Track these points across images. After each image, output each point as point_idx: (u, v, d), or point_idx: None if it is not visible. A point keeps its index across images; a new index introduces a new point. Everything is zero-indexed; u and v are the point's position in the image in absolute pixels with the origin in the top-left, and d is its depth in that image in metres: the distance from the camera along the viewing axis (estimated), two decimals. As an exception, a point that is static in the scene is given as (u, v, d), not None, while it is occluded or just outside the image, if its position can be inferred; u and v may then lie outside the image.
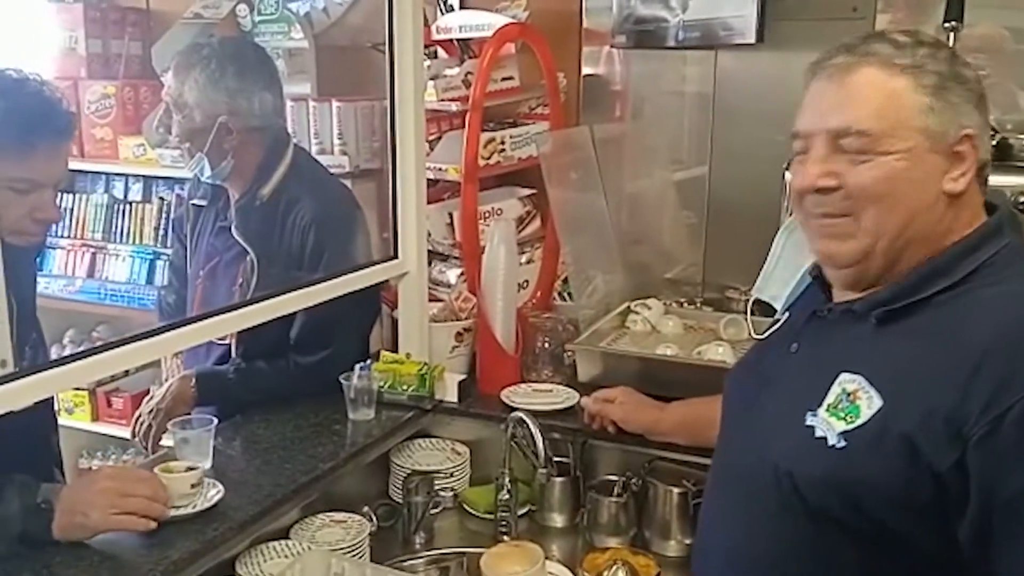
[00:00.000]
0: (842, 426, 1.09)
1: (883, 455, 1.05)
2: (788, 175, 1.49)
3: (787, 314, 1.34)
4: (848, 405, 1.10)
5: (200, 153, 1.94)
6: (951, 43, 1.92)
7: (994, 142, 2.03)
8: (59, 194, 1.58)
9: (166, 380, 2.05)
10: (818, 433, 1.11)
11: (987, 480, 0.99)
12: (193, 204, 2.09)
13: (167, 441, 2.07)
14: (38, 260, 1.86)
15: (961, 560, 1.04)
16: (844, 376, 1.12)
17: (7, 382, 1.24)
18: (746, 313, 1.69)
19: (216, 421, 1.69)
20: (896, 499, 1.04)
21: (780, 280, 1.42)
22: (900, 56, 1.11)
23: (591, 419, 1.86)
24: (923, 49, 1.12)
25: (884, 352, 1.11)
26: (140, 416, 1.98)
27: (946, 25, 1.92)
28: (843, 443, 1.08)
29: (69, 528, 1.41)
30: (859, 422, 1.08)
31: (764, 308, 1.66)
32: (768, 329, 1.35)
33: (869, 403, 1.08)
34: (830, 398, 1.12)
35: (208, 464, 1.65)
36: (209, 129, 1.91)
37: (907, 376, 1.07)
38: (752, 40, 2.23)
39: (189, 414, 2.04)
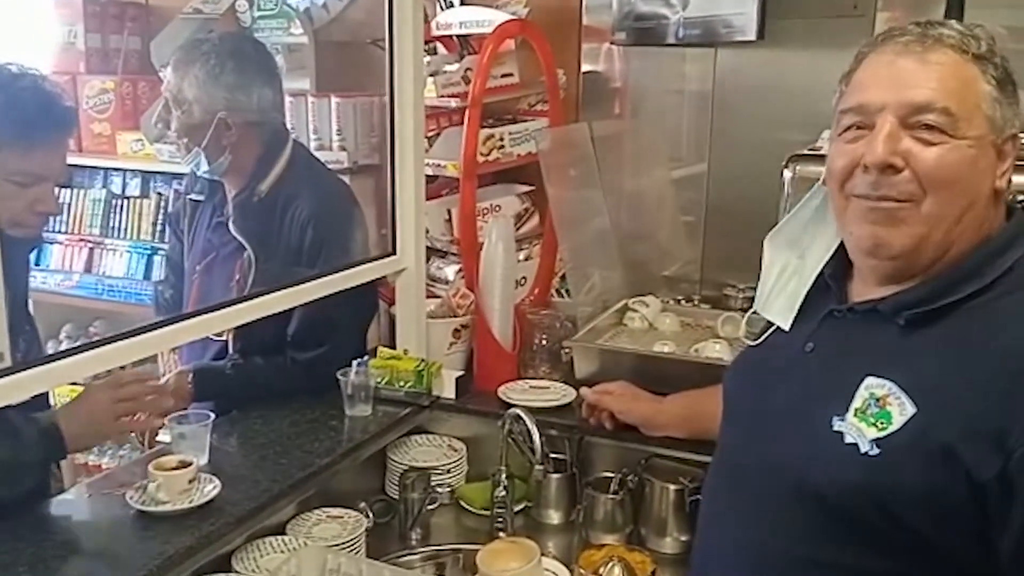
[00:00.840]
0: (874, 433, 1.05)
1: (920, 464, 1.02)
2: (787, 172, 1.44)
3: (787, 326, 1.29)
4: (878, 411, 1.06)
5: (197, 148, 1.93)
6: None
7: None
8: (58, 188, 1.60)
9: (163, 375, 2.05)
10: (848, 439, 1.07)
11: None
12: (190, 199, 2.08)
13: (164, 437, 2.08)
14: (32, 254, 1.88)
15: (994, 568, 1.01)
16: (871, 380, 1.08)
17: (3, 376, 1.24)
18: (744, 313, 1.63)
19: (213, 416, 1.69)
20: (933, 508, 1.02)
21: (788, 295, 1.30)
22: (970, 44, 1.08)
23: (590, 411, 1.85)
24: (985, 41, 1.09)
25: (914, 357, 1.07)
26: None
27: (946, 24, 1.92)
28: (876, 450, 1.04)
29: (80, 440, 1.56)
30: (892, 429, 1.04)
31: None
32: (762, 336, 1.31)
33: (901, 410, 1.04)
34: (857, 403, 1.08)
35: (205, 459, 1.65)
36: (208, 124, 1.91)
37: (942, 384, 1.03)
38: (752, 37, 2.23)
39: (186, 409, 2.04)
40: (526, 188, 2.50)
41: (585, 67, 2.55)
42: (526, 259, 2.41)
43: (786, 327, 1.26)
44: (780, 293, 1.29)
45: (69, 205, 3.24)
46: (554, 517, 1.83)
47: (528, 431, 1.69)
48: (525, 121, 2.45)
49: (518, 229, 2.36)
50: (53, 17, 3.09)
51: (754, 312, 1.34)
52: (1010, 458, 0.97)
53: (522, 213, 2.47)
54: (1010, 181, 1.12)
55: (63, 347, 3.07)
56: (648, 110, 2.57)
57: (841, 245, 1.22)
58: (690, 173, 2.51)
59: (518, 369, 2.12)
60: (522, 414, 1.71)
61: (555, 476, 1.81)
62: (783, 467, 1.13)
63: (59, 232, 3.23)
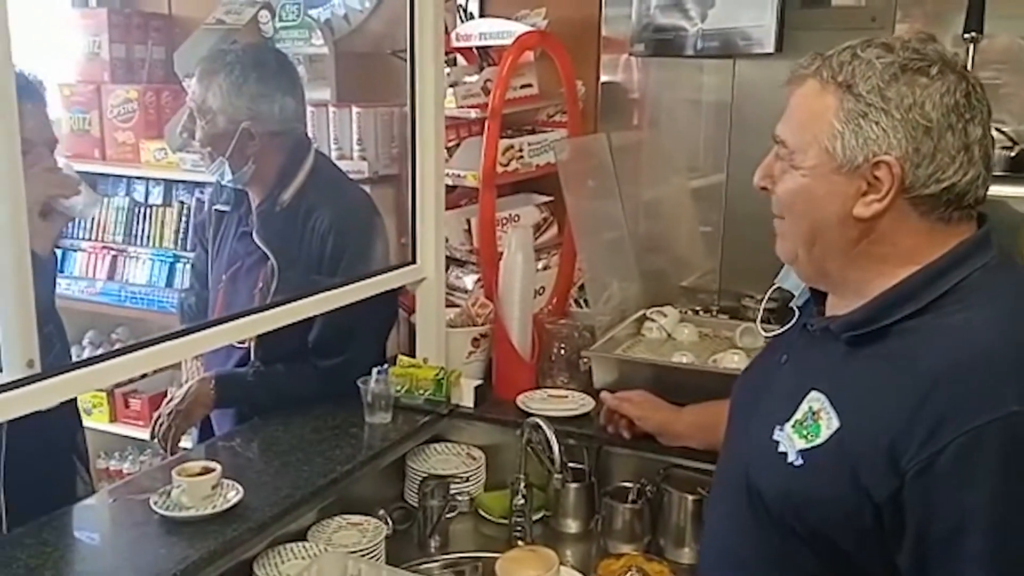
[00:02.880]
0: (802, 444, 1.10)
1: (834, 477, 1.05)
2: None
3: (797, 314, 1.32)
4: (811, 424, 1.10)
5: (222, 158, 1.96)
6: (970, 54, 1.92)
7: (1013, 153, 2.04)
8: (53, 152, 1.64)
9: (186, 382, 2.07)
10: (780, 448, 1.13)
11: (921, 515, 0.99)
12: (216, 209, 2.11)
13: (186, 443, 2.10)
14: (58, 258, 1.91)
15: None
16: (813, 394, 1.12)
17: (33, 382, 1.26)
18: (761, 304, 1.75)
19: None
20: (842, 521, 1.06)
21: None
22: (840, 72, 1.09)
23: (608, 416, 1.87)
24: (872, 66, 1.07)
25: (848, 374, 1.11)
26: (159, 417, 2.00)
27: (965, 36, 1.92)
28: (800, 461, 1.10)
29: None
30: (817, 442, 1.09)
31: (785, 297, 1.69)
32: (777, 332, 1.35)
33: (828, 423, 1.08)
34: (798, 414, 1.13)
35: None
36: (232, 134, 1.94)
37: (864, 401, 1.07)
38: (771, 50, 2.24)
39: (208, 416, 2.07)
40: (545, 198, 2.51)
41: (604, 78, 2.56)
42: (544, 269, 2.42)
43: (797, 292, 1.34)
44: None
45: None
46: (572, 526, 1.83)
47: (547, 440, 1.70)
48: (544, 132, 2.46)
49: (537, 239, 2.38)
50: (78, 28, 3.13)
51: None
52: (903, 480, 0.99)
53: (541, 223, 2.48)
54: (974, 203, 1.10)
55: (86, 353, 3.12)
56: (666, 121, 2.57)
57: None
58: (708, 184, 2.51)
59: (536, 378, 2.13)
60: (541, 423, 1.72)
61: (573, 485, 1.82)
62: (740, 472, 1.19)
63: (82, 239, 3.27)
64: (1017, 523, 0.96)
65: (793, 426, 1.12)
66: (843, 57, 1.10)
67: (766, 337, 1.38)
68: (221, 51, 2.15)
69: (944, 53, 1.09)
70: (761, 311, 2.18)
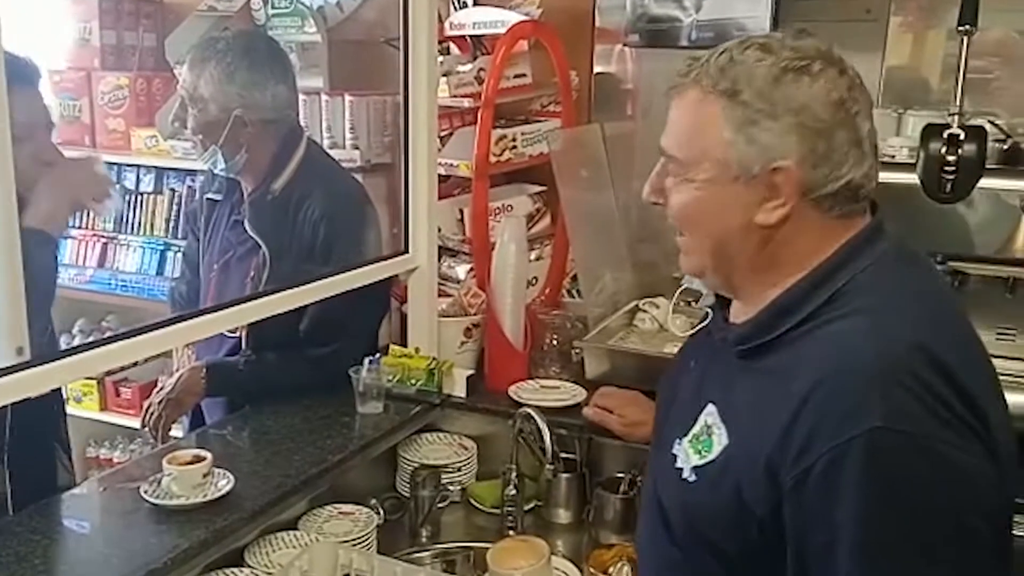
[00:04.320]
0: (696, 460, 1.10)
1: (722, 494, 1.05)
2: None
3: (708, 315, 1.28)
4: (705, 439, 1.10)
5: (214, 146, 1.95)
6: (964, 46, 1.92)
7: (1006, 146, 2.04)
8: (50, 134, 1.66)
9: (177, 371, 2.07)
10: (677, 464, 1.12)
11: (798, 530, 0.98)
12: (208, 198, 2.10)
13: (176, 432, 2.10)
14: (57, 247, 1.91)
15: None
16: (709, 407, 1.11)
17: (23, 369, 1.25)
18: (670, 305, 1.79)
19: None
20: (733, 535, 1.05)
21: None
22: (722, 79, 1.04)
23: (591, 427, 1.85)
24: (754, 71, 1.03)
25: (738, 389, 1.09)
26: (150, 406, 1.99)
27: (959, 28, 1.91)
28: (694, 477, 1.09)
29: None
30: (710, 457, 1.08)
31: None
32: (691, 332, 1.34)
33: (719, 440, 1.08)
34: (696, 428, 1.12)
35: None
36: (224, 122, 1.92)
37: (748, 417, 1.05)
38: (765, 41, 2.23)
39: (199, 405, 2.06)
40: (538, 188, 2.51)
41: (598, 68, 2.56)
42: (537, 259, 2.42)
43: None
44: None
45: (83, 200, 3.26)
46: (564, 516, 1.84)
47: (539, 430, 1.70)
48: (537, 122, 2.46)
49: (530, 229, 2.37)
50: (69, 14, 3.11)
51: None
52: (781, 496, 0.99)
53: (534, 213, 2.48)
54: (787, 212, 1.05)
55: (76, 341, 3.10)
56: (660, 112, 2.54)
57: None
58: (701, 175, 2.51)
59: (529, 369, 2.12)
60: (533, 413, 1.72)
61: (565, 476, 1.82)
62: (649, 484, 1.20)
63: (73, 227, 3.25)
64: (880, 540, 0.94)
65: (690, 441, 1.12)
66: (720, 62, 1.05)
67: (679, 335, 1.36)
68: (212, 38, 2.13)
69: (821, 47, 1.05)
70: (670, 312, 2.18)
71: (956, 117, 1.89)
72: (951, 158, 1.88)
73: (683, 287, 1.78)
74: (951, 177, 1.88)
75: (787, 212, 1.05)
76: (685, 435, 1.12)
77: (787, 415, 0.98)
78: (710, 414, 1.10)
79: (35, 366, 1.28)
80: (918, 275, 1.12)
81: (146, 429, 2.01)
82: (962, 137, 1.88)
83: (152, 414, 1.98)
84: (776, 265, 1.08)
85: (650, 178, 1.15)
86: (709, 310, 1.26)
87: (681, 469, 1.11)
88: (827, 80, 1.03)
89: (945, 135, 1.88)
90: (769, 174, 1.04)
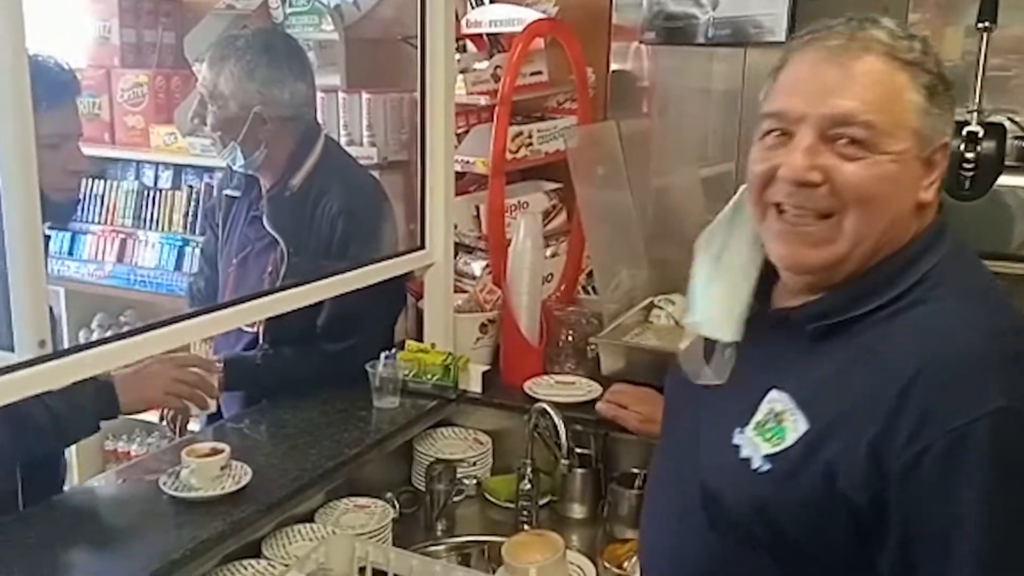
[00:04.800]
0: (767, 448, 1.03)
1: (806, 482, 0.99)
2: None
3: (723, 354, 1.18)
4: (775, 427, 1.04)
5: (234, 142, 1.96)
6: (984, 44, 1.91)
7: (1023, 143, 2.04)
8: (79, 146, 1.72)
9: (195, 365, 2.08)
10: (743, 454, 1.05)
11: (907, 517, 0.95)
12: (226, 195, 2.11)
13: (194, 425, 2.11)
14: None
15: None
16: (774, 394, 1.05)
17: (44, 362, 1.27)
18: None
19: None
20: (815, 527, 1.00)
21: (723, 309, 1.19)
22: (900, 49, 1.01)
23: (606, 423, 1.84)
24: (918, 45, 1.02)
25: (815, 372, 1.04)
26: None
27: (979, 26, 1.91)
28: (767, 467, 1.03)
29: (130, 403, 1.71)
30: (784, 446, 1.02)
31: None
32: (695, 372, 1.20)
33: (795, 426, 1.02)
34: (759, 416, 1.06)
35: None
36: (244, 119, 1.94)
37: (834, 400, 1.00)
38: (783, 38, 2.22)
39: (217, 399, 2.07)
40: (554, 185, 2.51)
41: (614, 66, 2.56)
42: (553, 256, 2.42)
43: (708, 333, 1.17)
44: (704, 305, 1.19)
45: (102, 197, 3.29)
46: (579, 511, 1.84)
47: (554, 426, 1.71)
48: (554, 119, 2.46)
49: (545, 226, 2.38)
50: (88, 12, 3.13)
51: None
52: (887, 482, 0.95)
53: (550, 210, 2.48)
54: (939, 191, 1.06)
55: (95, 336, 3.13)
56: (676, 109, 2.57)
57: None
58: (717, 172, 2.50)
59: (544, 364, 2.13)
60: (548, 408, 1.73)
61: (580, 471, 1.83)
62: (694, 476, 1.12)
63: (92, 223, 3.28)
64: (1007, 523, 0.93)
65: (755, 429, 1.05)
66: (878, 32, 1.01)
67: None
68: (232, 36, 2.15)
69: None
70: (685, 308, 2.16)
71: (975, 114, 1.89)
72: (970, 155, 1.87)
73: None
74: (970, 175, 1.88)
75: (937, 190, 1.03)
76: (747, 424, 1.06)
77: (892, 397, 0.95)
78: (777, 400, 1.04)
79: (56, 359, 1.30)
80: (984, 267, 1.10)
81: (164, 423, 2.03)
82: (981, 135, 1.87)
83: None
84: (888, 247, 1.04)
85: (803, 153, 1.01)
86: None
87: (749, 459, 1.04)
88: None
89: (964, 132, 1.88)
90: (939, 149, 1.03)
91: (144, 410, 1.74)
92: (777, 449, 1.03)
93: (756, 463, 1.04)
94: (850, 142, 1.00)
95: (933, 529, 0.94)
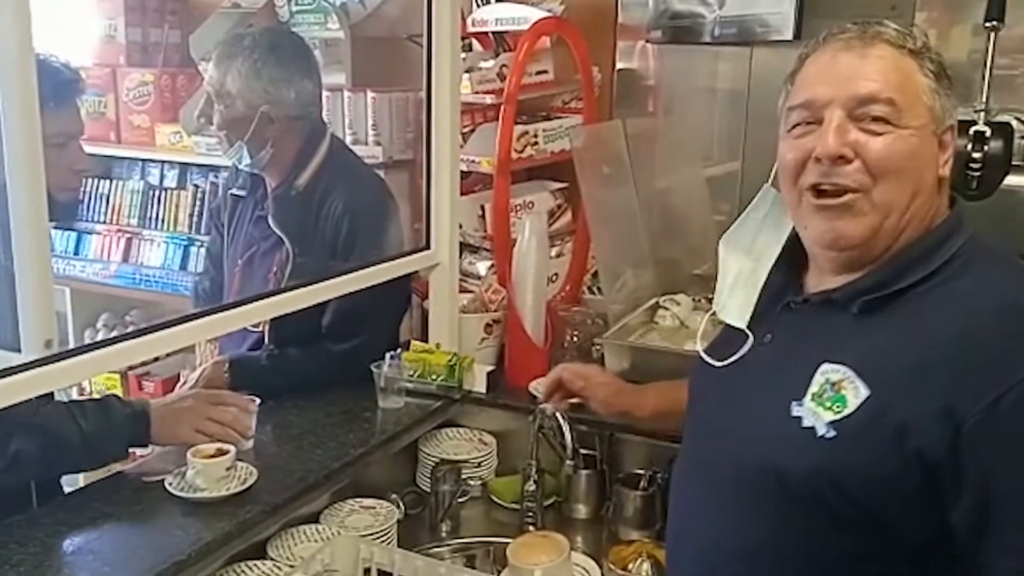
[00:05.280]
0: (830, 416, 1.08)
1: (874, 444, 1.05)
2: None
3: (750, 338, 1.25)
4: (834, 395, 1.09)
5: (240, 142, 1.96)
6: (991, 43, 1.91)
7: (1030, 142, 2.03)
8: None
9: (200, 365, 2.08)
10: (805, 423, 1.10)
11: (983, 466, 1.00)
12: (232, 194, 2.11)
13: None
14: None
15: (950, 545, 1.05)
16: (826, 366, 1.11)
17: (50, 363, 1.27)
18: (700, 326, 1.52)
19: (259, 401, 1.72)
20: (886, 487, 1.05)
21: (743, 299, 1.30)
22: (906, 39, 1.12)
23: (556, 389, 1.65)
24: (920, 38, 1.14)
25: (867, 342, 1.11)
26: None
27: (987, 24, 1.90)
28: (833, 432, 1.07)
29: (161, 436, 1.67)
30: (847, 412, 1.07)
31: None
32: (729, 358, 1.25)
33: (855, 393, 1.07)
34: (814, 388, 1.11)
35: (250, 444, 1.70)
36: (251, 118, 1.94)
37: (893, 367, 1.07)
38: (789, 37, 2.22)
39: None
40: (559, 185, 2.51)
41: (620, 65, 2.55)
42: (558, 256, 2.42)
43: (742, 325, 1.26)
44: (735, 296, 1.30)
45: (108, 196, 3.29)
46: (583, 512, 1.84)
47: (559, 426, 1.70)
48: (559, 118, 2.46)
49: (551, 226, 2.37)
50: (94, 10, 3.13)
51: (713, 314, 1.35)
52: (959, 433, 1.00)
53: (555, 210, 2.48)
54: (952, 169, 1.15)
55: (100, 335, 3.14)
56: (682, 109, 2.56)
57: (791, 240, 1.25)
58: (723, 172, 2.50)
59: (549, 365, 2.12)
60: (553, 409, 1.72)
61: (585, 472, 1.83)
62: (748, 454, 1.15)
63: (97, 222, 3.29)
64: None
65: (813, 400, 1.10)
66: (884, 28, 1.13)
67: (715, 364, 1.27)
68: (239, 35, 2.15)
69: None
70: (691, 309, 2.21)
71: (982, 114, 1.88)
72: (977, 155, 1.87)
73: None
74: (977, 174, 1.87)
75: (951, 168, 1.14)
76: (803, 396, 1.11)
77: (955, 356, 1.02)
78: (832, 372, 1.10)
79: (61, 360, 1.30)
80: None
81: None
82: (988, 134, 1.87)
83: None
84: (915, 221, 1.13)
85: (835, 132, 1.10)
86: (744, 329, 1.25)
87: (813, 428, 1.09)
88: None
89: (971, 132, 1.87)
90: (949, 130, 1.13)
91: (172, 444, 1.68)
92: (840, 416, 1.08)
93: (821, 430, 1.08)
94: (875, 119, 1.09)
95: (1010, 473, 1.00)
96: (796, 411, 1.11)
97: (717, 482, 1.20)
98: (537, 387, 1.78)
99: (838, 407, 1.08)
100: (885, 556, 1.08)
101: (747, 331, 1.25)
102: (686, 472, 1.30)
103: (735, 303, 1.29)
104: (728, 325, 1.30)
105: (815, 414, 1.09)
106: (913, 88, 1.10)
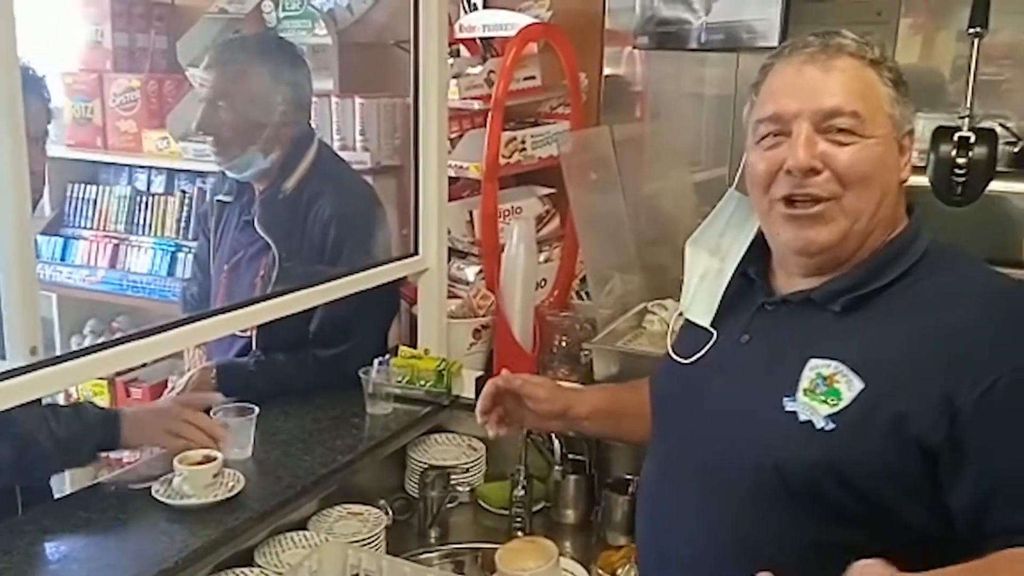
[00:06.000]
0: (826, 409, 1.11)
1: (874, 434, 1.07)
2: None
3: (714, 335, 1.29)
4: (827, 389, 1.12)
5: (233, 148, 1.95)
6: (975, 49, 1.92)
7: (1016, 148, 2.04)
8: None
9: (187, 371, 2.08)
10: (802, 418, 1.12)
11: (982, 449, 1.03)
12: (218, 200, 2.10)
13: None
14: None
15: (948, 531, 1.07)
16: (815, 361, 1.13)
17: (36, 369, 1.26)
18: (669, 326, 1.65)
19: (257, 410, 1.71)
20: (887, 475, 1.07)
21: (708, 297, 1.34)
22: (865, 50, 1.17)
23: (494, 401, 1.49)
24: (878, 48, 1.19)
25: (854, 337, 1.14)
26: None
27: (970, 31, 1.92)
28: (832, 425, 1.10)
29: (131, 439, 1.67)
30: (843, 404, 1.10)
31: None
32: (696, 355, 1.29)
33: (849, 386, 1.10)
34: (804, 383, 1.13)
35: (248, 453, 1.70)
36: (242, 125, 1.93)
37: (884, 359, 1.10)
38: (775, 43, 2.23)
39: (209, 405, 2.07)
40: (547, 190, 2.51)
41: (607, 71, 2.56)
42: (546, 261, 2.42)
43: (706, 323, 1.31)
44: (702, 296, 1.35)
45: (95, 201, 3.28)
46: (572, 518, 1.84)
47: (548, 432, 1.70)
48: (547, 124, 2.46)
49: (539, 231, 2.38)
50: (80, 16, 3.12)
51: (680, 314, 1.41)
52: (956, 419, 1.04)
53: (543, 215, 2.48)
54: (911, 172, 1.20)
55: (87, 342, 3.12)
56: (669, 114, 2.58)
57: (756, 242, 1.29)
58: (710, 177, 2.51)
59: (537, 370, 2.13)
60: (542, 415, 1.72)
61: (573, 477, 1.82)
62: (742, 453, 1.16)
63: (84, 228, 3.27)
64: None
65: (805, 395, 1.12)
66: (845, 40, 1.17)
67: (681, 362, 1.31)
68: (230, 40, 2.15)
69: None
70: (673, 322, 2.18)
71: (967, 120, 1.89)
72: (961, 161, 1.88)
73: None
74: (962, 180, 1.88)
75: (910, 170, 1.18)
76: (794, 392, 1.13)
77: (948, 345, 1.06)
78: (822, 367, 1.12)
79: (47, 366, 1.29)
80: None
81: None
82: (972, 140, 1.88)
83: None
84: (882, 224, 1.17)
85: (804, 144, 1.14)
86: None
87: (810, 422, 1.11)
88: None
89: (955, 138, 1.89)
90: (907, 135, 1.18)
91: (143, 446, 1.70)
92: (836, 408, 1.10)
93: (820, 423, 1.11)
94: (841, 131, 1.14)
95: (1010, 456, 1.03)
96: (790, 406, 1.13)
97: (708, 483, 1.20)
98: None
99: (833, 400, 1.11)
100: (882, 545, 1.07)
101: (711, 329, 1.29)
102: (667, 475, 1.29)
103: (701, 302, 1.33)
104: (695, 325, 1.33)
105: (810, 408, 1.12)
106: (875, 98, 1.15)
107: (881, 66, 1.17)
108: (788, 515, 1.13)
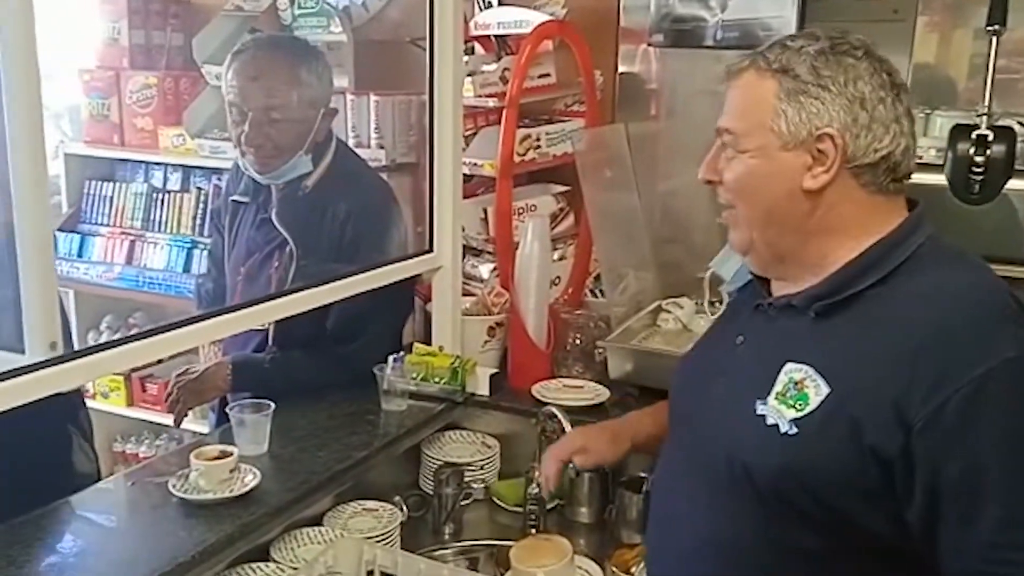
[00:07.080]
0: (792, 413, 1.12)
1: (834, 440, 1.08)
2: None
3: (728, 298, 1.39)
4: (796, 393, 1.13)
5: (300, 152, 1.96)
6: (993, 47, 1.91)
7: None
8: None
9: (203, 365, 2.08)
10: (769, 421, 1.13)
11: (931, 465, 1.03)
12: (233, 200, 2.10)
13: (203, 427, 2.12)
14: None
15: (912, 543, 1.07)
16: (789, 366, 1.15)
17: (55, 364, 1.27)
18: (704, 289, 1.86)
19: (273, 406, 1.72)
20: (845, 483, 1.08)
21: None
22: (775, 60, 1.16)
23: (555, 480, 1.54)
24: (804, 52, 1.15)
25: (826, 342, 1.15)
26: (171, 390, 2.01)
27: (988, 28, 1.90)
28: (795, 430, 1.11)
29: None
30: (808, 409, 1.11)
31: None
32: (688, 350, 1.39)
33: (817, 390, 1.11)
34: (778, 387, 1.14)
35: (264, 449, 1.70)
36: (293, 132, 1.94)
37: (851, 364, 1.10)
38: (791, 41, 2.22)
39: (225, 401, 2.08)
40: (562, 188, 2.51)
41: (622, 68, 2.55)
42: (560, 259, 2.42)
43: (728, 278, 1.39)
44: (731, 259, 1.44)
45: (111, 198, 3.30)
46: (586, 515, 1.84)
47: (562, 429, 1.70)
48: (561, 121, 2.46)
49: (553, 229, 2.38)
50: (98, 13, 3.15)
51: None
52: (910, 434, 1.03)
53: (557, 213, 2.48)
54: (904, 178, 1.17)
55: (103, 338, 3.14)
56: (684, 112, 2.56)
57: None
58: (725, 175, 2.50)
59: (552, 368, 2.13)
60: (556, 412, 1.73)
61: (588, 475, 1.82)
62: (717, 453, 1.19)
63: (101, 224, 3.29)
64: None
65: (777, 398, 1.14)
66: (774, 50, 1.18)
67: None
68: (250, 40, 2.13)
69: (862, 38, 1.17)
70: (693, 312, 2.24)
71: (984, 118, 1.88)
72: (979, 159, 1.87)
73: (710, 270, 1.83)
74: (979, 178, 1.87)
75: (830, 178, 1.14)
76: (767, 395, 1.15)
77: (907, 356, 1.05)
78: (794, 371, 1.14)
79: (65, 362, 1.30)
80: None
81: (166, 405, 2.04)
82: (991, 138, 1.87)
83: (170, 395, 2.00)
84: (830, 232, 1.17)
85: (706, 160, 1.23)
86: (727, 295, 1.38)
87: (776, 425, 1.13)
88: (869, 63, 1.14)
89: (973, 136, 1.87)
90: (816, 140, 1.14)
91: None
92: (802, 413, 1.11)
93: (784, 427, 1.12)
94: (725, 146, 1.21)
95: (956, 471, 1.03)
96: (760, 409, 1.15)
97: (697, 481, 1.23)
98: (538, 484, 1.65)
99: (800, 405, 1.12)
100: (851, 554, 1.11)
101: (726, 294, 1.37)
102: (670, 473, 1.33)
103: (731, 264, 1.41)
104: (712, 327, 1.39)
105: (778, 412, 1.13)
106: (756, 114, 1.16)
107: (783, 75, 1.14)
108: (760, 518, 1.15)
